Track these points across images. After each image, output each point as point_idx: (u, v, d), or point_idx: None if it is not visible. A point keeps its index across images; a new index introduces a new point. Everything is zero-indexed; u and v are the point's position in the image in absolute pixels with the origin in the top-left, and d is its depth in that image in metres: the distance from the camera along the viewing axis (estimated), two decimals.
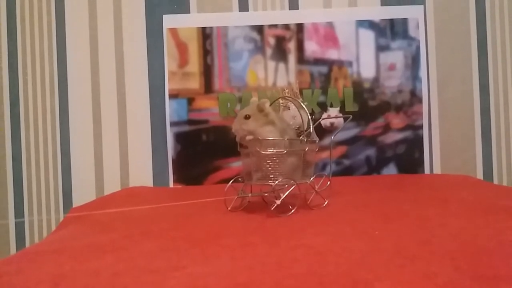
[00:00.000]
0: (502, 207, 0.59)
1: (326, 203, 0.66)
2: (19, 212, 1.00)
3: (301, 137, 0.65)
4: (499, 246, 0.41)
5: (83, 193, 1.00)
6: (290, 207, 0.61)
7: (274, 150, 0.61)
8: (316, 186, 0.67)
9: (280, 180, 0.60)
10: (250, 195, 0.66)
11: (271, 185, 0.60)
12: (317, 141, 0.68)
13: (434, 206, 0.63)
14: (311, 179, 0.65)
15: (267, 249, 0.44)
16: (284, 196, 0.59)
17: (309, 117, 0.67)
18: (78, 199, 0.99)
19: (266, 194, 0.65)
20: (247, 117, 0.64)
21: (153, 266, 0.40)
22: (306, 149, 0.64)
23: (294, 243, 0.45)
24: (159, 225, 0.59)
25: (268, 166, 0.61)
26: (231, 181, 0.65)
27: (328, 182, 0.69)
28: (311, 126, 0.66)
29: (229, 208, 0.65)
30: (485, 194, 0.73)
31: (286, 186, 0.60)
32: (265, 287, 0.33)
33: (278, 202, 0.58)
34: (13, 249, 0.99)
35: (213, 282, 0.35)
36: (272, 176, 0.61)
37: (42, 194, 1.00)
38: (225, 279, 0.35)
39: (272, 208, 0.58)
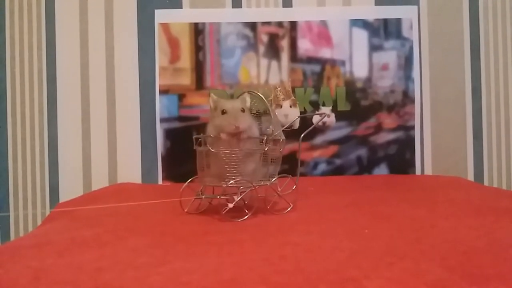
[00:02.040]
0: (492, 208, 0.59)
1: (290, 208, 0.61)
2: (4, 206, 0.98)
3: (265, 137, 0.60)
4: (488, 246, 0.41)
5: (71, 189, 0.98)
6: (246, 211, 0.56)
7: (229, 150, 0.57)
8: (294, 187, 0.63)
9: (232, 182, 0.56)
10: (203, 197, 0.61)
11: (233, 186, 0.56)
12: (282, 140, 0.62)
13: (425, 206, 0.63)
14: (273, 180, 0.60)
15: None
16: (238, 199, 0.55)
17: (273, 114, 0.63)
18: (65, 195, 0.97)
19: (218, 197, 0.58)
20: (242, 110, 0.59)
21: (137, 261, 0.39)
22: (266, 149, 0.59)
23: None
24: (145, 221, 0.58)
25: (225, 166, 0.57)
26: (188, 181, 0.61)
27: (294, 186, 0.64)
28: (275, 125, 0.61)
29: (185, 210, 0.61)
30: (476, 195, 0.73)
31: (242, 188, 0.56)
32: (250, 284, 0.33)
33: (231, 205, 0.55)
34: None
35: (198, 278, 0.34)
36: (229, 175, 0.57)
37: (28, 189, 0.98)
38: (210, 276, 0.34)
39: (223, 212, 0.55)
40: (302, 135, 0.68)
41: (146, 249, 0.43)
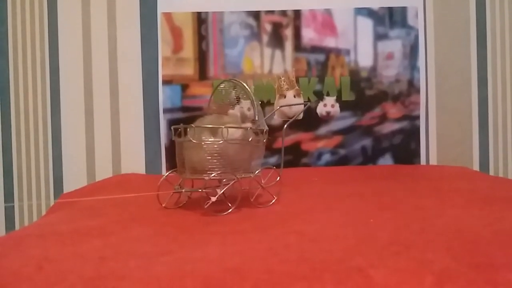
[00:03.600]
0: (498, 198, 0.59)
1: (274, 200, 0.58)
2: (9, 197, 0.98)
3: (248, 127, 0.57)
4: (494, 235, 0.41)
5: (75, 180, 0.98)
6: (230, 204, 0.54)
7: (211, 140, 0.54)
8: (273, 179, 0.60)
9: (214, 174, 0.53)
10: (183, 190, 0.58)
11: (215, 179, 0.53)
12: (265, 130, 0.59)
13: (430, 196, 0.62)
14: (256, 172, 0.58)
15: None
16: (221, 192, 0.52)
17: (255, 104, 0.59)
18: (69, 186, 0.97)
19: (200, 190, 0.54)
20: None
21: (141, 251, 0.38)
22: (250, 139, 0.56)
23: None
24: (148, 211, 0.57)
25: (207, 157, 0.53)
26: (166, 174, 0.58)
27: (278, 177, 0.62)
28: (256, 114, 0.58)
29: (163, 205, 0.57)
30: (481, 185, 0.73)
31: (225, 180, 0.54)
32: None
33: (214, 199, 0.52)
34: (2, 234, 0.97)
35: (201, 267, 0.34)
36: (211, 167, 0.53)
37: (32, 180, 0.99)
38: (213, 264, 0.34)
39: (205, 206, 0.51)
40: (285, 126, 0.65)
41: (149, 238, 0.43)
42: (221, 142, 0.53)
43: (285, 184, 0.62)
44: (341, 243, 0.39)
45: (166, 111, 0.98)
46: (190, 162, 0.55)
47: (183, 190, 0.58)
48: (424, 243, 0.38)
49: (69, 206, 0.66)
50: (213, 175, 0.52)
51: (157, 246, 0.40)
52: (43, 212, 0.97)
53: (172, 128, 0.58)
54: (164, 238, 0.43)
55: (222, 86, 0.64)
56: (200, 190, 0.54)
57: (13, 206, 0.98)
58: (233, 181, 0.54)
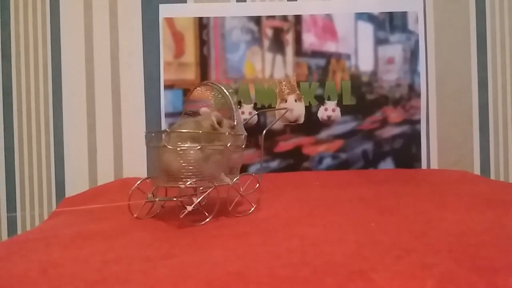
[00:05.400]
0: (499, 202, 0.59)
1: (253, 209, 0.56)
2: (11, 206, 0.99)
3: (227, 133, 0.54)
4: (496, 238, 0.41)
5: (76, 184, 0.98)
6: (206, 213, 0.52)
7: (187, 145, 0.51)
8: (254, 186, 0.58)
9: (191, 182, 0.50)
10: (157, 199, 0.55)
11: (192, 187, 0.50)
12: (244, 136, 0.57)
13: (431, 200, 0.62)
14: (235, 180, 0.55)
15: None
16: (197, 201, 0.50)
17: (234, 108, 0.57)
18: (71, 191, 0.97)
19: (175, 199, 0.52)
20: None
21: (144, 254, 0.39)
22: (229, 144, 0.53)
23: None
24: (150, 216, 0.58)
25: (182, 164, 0.51)
26: (138, 182, 0.55)
27: (257, 184, 0.60)
28: (235, 119, 0.56)
29: (135, 215, 0.55)
30: (482, 189, 0.73)
31: (202, 188, 0.52)
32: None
33: (190, 208, 0.49)
34: None
35: (204, 270, 0.34)
36: (187, 175, 0.51)
37: (34, 186, 0.99)
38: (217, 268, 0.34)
39: (181, 216, 0.49)
40: (265, 131, 0.64)
41: (152, 242, 0.43)
42: (198, 147, 0.51)
43: (285, 188, 0.62)
44: (343, 246, 0.40)
45: (168, 115, 0.98)
46: (164, 169, 0.52)
47: (157, 199, 0.55)
48: (425, 247, 0.38)
49: (71, 210, 0.66)
50: (188, 183, 0.50)
51: (160, 250, 0.40)
52: (45, 217, 0.97)
53: (144, 133, 0.54)
54: (167, 242, 0.43)
55: (199, 89, 0.62)
56: (175, 199, 0.51)
57: (16, 216, 0.98)
58: (210, 189, 0.52)
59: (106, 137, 0.99)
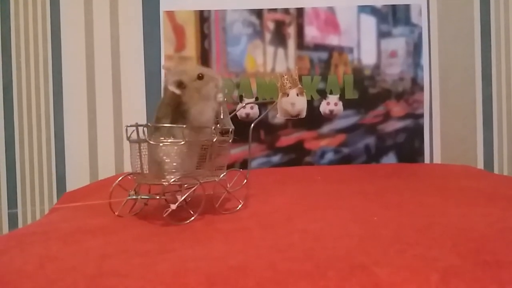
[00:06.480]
0: (503, 196, 0.58)
1: (240, 205, 0.54)
2: (12, 202, 0.98)
3: (213, 127, 0.51)
4: (500, 232, 0.40)
5: (77, 179, 0.98)
6: (192, 212, 0.49)
7: (170, 141, 0.48)
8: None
9: (175, 179, 0.47)
10: (139, 197, 0.52)
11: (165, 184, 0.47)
12: (231, 130, 0.54)
13: (434, 194, 0.62)
14: (221, 176, 0.53)
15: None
16: (182, 198, 0.48)
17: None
18: (72, 186, 0.97)
19: (158, 197, 0.49)
20: (200, 77, 0.51)
21: (143, 249, 0.38)
22: (214, 139, 0.50)
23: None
24: (150, 210, 0.57)
25: (166, 160, 0.48)
26: (119, 178, 0.52)
27: (245, 180, 0.58)
28: (221, 112, 0.53)
29: (116, 213, 0.52)
30: (486, 183, 0.72)
31: (186, 185, 0.49)
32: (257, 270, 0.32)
33: (174, 206, 0.47)
34: None
35: (205, 264, 0.33)
36: (168, 172, 0.48)
37: (35, 181, 0.98)
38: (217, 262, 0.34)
39: (164, 215, 0.46)
40: (252, 124, 0.60)
41: (151, 236, 0.43)
42: (182, 143, 0.48)
43: (289, 182, 0.61)
44: (345, 241, 0.39)
45: None
46: (148, 165, 0.50)
47: (139, 197, 0.52)
48: (428, 241, 0.38)
49: (71, 205, 0.66)
50: (172, 179, 0.47)
51: (159, 244, 0.40)
52: (46, 212, 0.97)
53: (125, 128, 0.51)
54: (166, 236, 0.43)
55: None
56: (158, 197, 0.49)
57: (17, 212, 0.98)
58: (196, 186, 0.50)
59: (107, 131, 0.99)
